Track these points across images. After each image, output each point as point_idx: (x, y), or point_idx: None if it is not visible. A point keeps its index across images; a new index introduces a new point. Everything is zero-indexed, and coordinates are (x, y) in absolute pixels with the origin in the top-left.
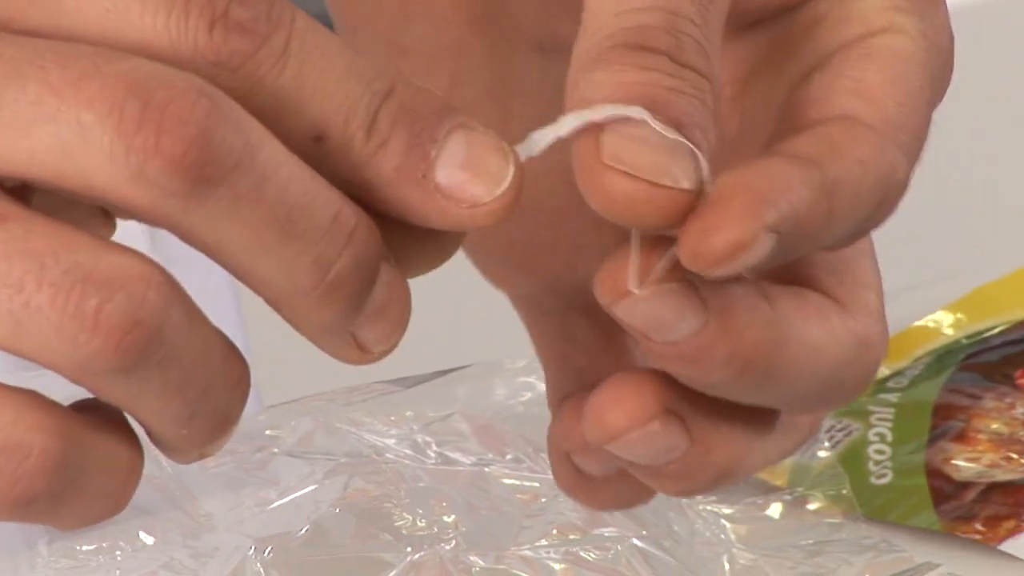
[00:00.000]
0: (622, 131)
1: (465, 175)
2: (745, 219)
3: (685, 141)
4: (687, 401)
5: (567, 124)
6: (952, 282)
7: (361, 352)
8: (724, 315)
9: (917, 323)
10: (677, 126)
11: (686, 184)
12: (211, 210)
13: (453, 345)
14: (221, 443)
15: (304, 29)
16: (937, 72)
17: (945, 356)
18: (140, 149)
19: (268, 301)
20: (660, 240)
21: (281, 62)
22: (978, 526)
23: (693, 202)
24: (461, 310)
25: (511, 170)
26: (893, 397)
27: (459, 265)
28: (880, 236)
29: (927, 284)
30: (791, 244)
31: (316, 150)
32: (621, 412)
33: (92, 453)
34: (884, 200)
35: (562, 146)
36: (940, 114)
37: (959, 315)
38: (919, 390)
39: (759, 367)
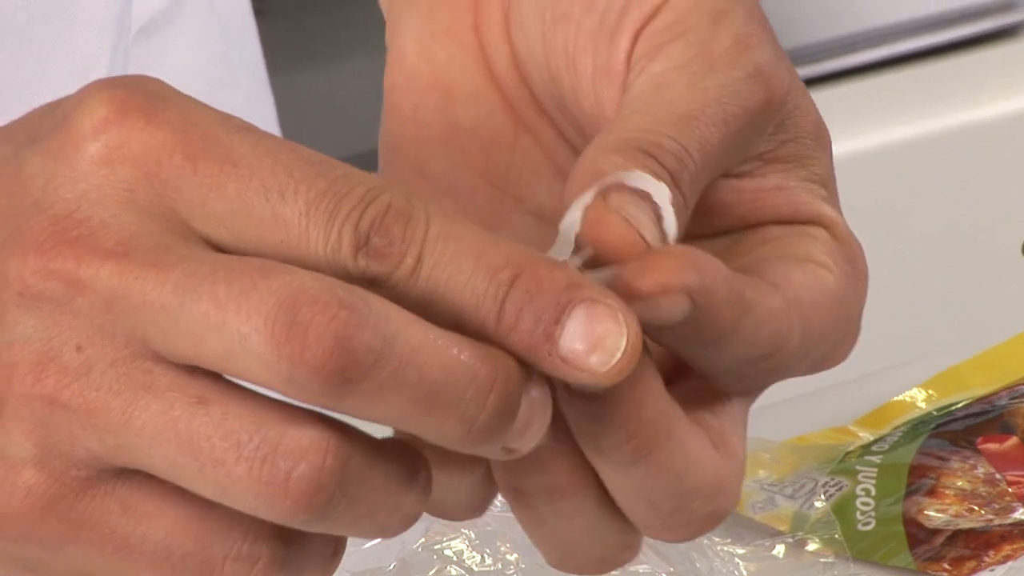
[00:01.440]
0: (623, 194)
1: (584, 348)
2: (674, 270)
3: (655, 218)
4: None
5: (590, 194)
6: (924, 364)
7: (509, 454)
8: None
9: (896, 398)
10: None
11: (651, 241)
12: (358, 400)
13: None
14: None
15: (436, 237)
16: (845, 311)
17: (919, 425)
18: (288, 359)
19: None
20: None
21: (415, 275)
22: (946, 565)
23: (642, 252)
24: None
25: (624, 341)
26: (876, 459)
27: None
28: (868, 325)
29: (905, 366)
30: (698, 327)
31: (457, 329)
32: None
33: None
34: (771, 354)
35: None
36: (924, 222)
37: (930, 392)
38: (898, 453)
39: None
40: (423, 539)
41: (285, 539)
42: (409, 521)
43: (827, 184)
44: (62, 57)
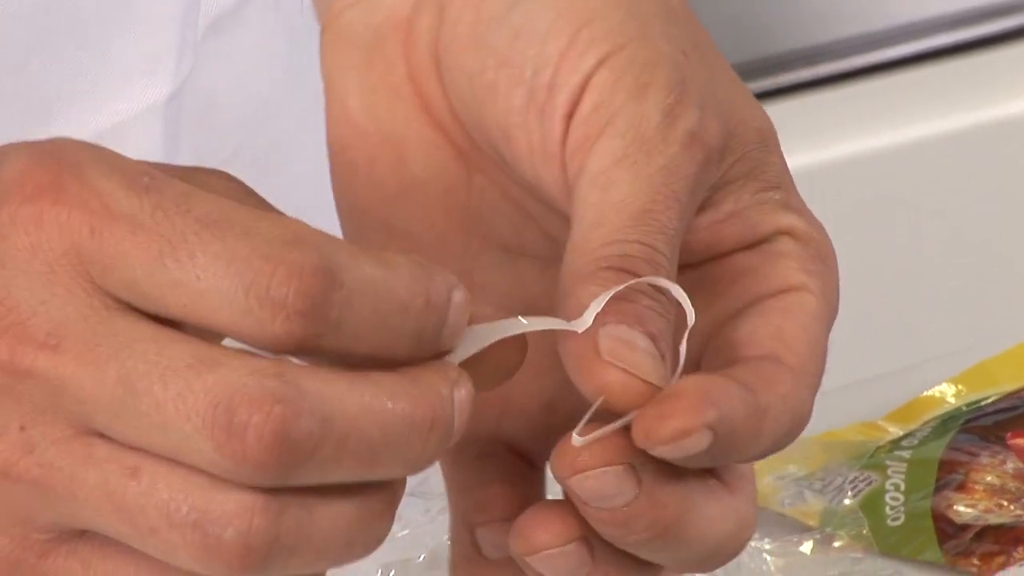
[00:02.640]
0: (613, 335)
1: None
2: (692, 413)
3: (655, 349)
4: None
5: (552, 323)
6: (954, 360)
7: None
8: (651, 491)
9: (926, 393)
10: (652, 338)
11: (656, 381)
12: (306, 477)
13: None
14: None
15: (351, 290)
16: (829, 322)
17: (948, 421)
18: (231, 458)
19: None
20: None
21: (336, 329)
22: (975, 561)
23: (653, 395)
24: None
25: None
26: (906, 454)
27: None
28: (898, 321)
29: (934, 361)
30: (722, 449)
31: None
32: (546, 532)
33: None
34: (792, 429)
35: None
36: (953, 216)
37: (960, 387)
38: (927, 448)
39: (670, 532)
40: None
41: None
42: (374, 545)
43: (781, 185)
44: (128, 52)
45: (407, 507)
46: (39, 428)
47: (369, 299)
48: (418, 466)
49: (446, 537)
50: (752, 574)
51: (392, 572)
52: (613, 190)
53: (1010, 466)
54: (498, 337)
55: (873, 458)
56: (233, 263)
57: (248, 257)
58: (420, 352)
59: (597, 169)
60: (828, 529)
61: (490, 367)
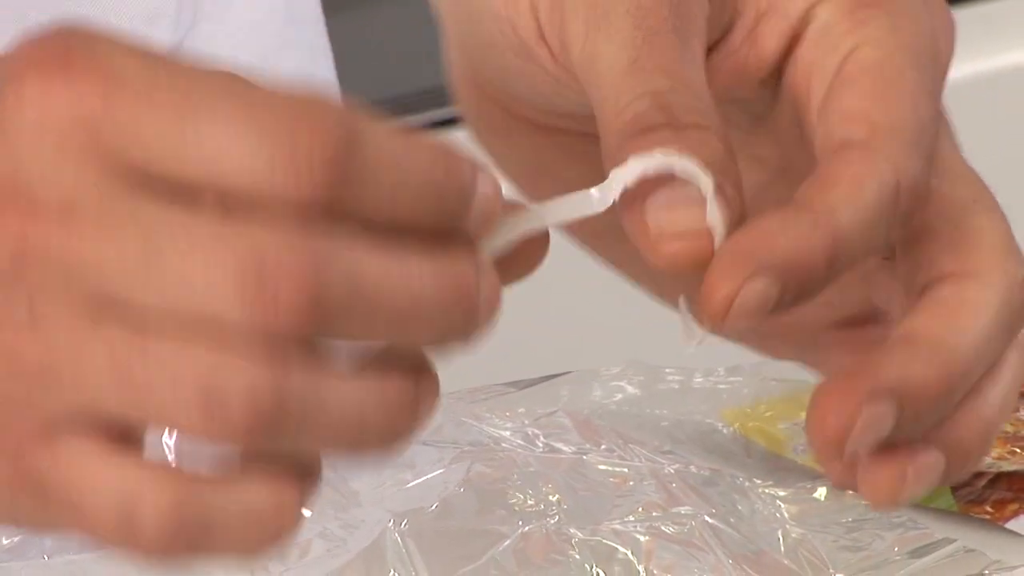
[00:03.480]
0: (658, 203)
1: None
2: (728, 275)
3: (693, 193)
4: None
5: (614, 184)
6: None
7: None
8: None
9: None
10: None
11: (701, 226)
12: (336, 335)
13: (559, 355)
14: (398, 450)
15: (373, 146)
16: (924, 49)
17: None
18: (263, 316)
19: None
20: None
21: (359, 186)
22: (988, 508)
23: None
24: (567, 328)
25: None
26: None
27: (567, 295)
28: None
29: None
30: (802, 279)
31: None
32: (836, 417)
33: (216, 503)
34: (896, 200)
35: None
36: (975, 163)
37: None
38: None
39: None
40: (465, 478)
41: (180, 489)
42: (393, 443)
43: None
44: (128, 3)
45: (419, 455)
46: (49, 308)
47: (389, 157)
48: (448, 336)
49: (459, 486)
50: (765, 520)
51: (405, 522)
52: (599, 62)
53: (1022, 413)
54: (525, 227)
55: None
56: (256, 120)
57: (271, 114)
58: (445, 227)
59: (578, 52)
60: None
61: (513, 260)
